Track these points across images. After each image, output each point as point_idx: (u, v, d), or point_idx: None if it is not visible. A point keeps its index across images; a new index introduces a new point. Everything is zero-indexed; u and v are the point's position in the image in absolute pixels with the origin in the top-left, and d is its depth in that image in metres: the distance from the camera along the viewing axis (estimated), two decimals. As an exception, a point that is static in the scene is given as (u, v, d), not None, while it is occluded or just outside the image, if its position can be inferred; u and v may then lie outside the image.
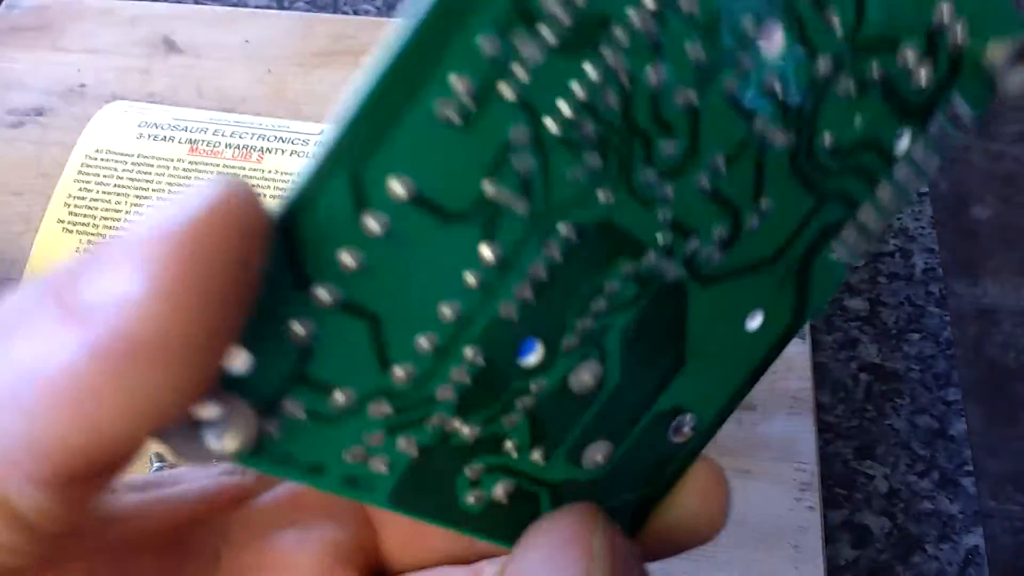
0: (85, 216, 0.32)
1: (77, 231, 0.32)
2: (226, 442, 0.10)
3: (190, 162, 0.33)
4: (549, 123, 0.10)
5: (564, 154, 0.11)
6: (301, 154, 0.33)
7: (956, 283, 0.96)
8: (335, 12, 0.42)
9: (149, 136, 0.34)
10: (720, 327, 0.13)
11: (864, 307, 0.30)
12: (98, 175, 0.33)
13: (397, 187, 0.10)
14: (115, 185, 0.33)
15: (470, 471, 0.12)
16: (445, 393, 0.11)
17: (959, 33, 0.12)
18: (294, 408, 0.10)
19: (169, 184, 0.33)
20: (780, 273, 0.13)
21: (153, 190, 0.33)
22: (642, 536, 0.13)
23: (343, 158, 0.10)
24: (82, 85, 0.37)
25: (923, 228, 0.31)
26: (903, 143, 0.13)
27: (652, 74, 0.11)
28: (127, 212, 0.32)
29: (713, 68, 0.11)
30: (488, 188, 0.10)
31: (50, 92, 0.37)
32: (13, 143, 0.36)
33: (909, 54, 0.12)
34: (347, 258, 0.10)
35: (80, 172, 0.33)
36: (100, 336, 0.08)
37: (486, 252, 0.11)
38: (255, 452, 0.10)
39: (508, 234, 0.11)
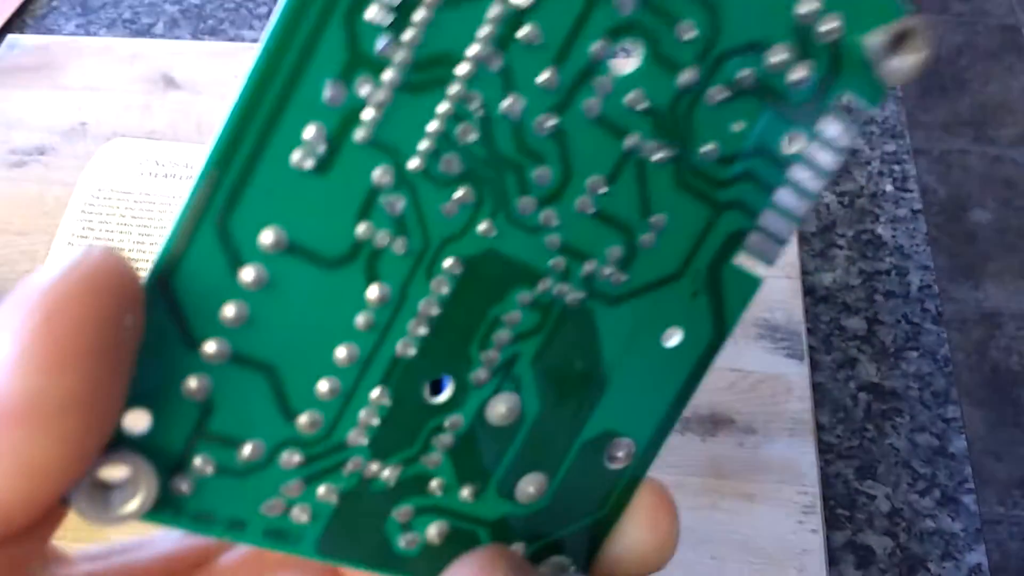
0: (89, 254, 0.33)
1: (81, 270, 0.32)
2: (132, 503, 0.10)
3: (191, 198, 0.34)
4: (409, 162, 0.10)
5: (433, 191, 0.11)
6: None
7: (957, 288, 0.96)
8: (331, 43, 0.42)
9: (151, 173, 0.35)
10: (637, 346, 0.13)
11: (862, 326, 0.30)
12: (101, 213, 0.34)
13: (268, 237, 0.10)
14: (118, 223, 0.33)
15: (398, 514, 0.12)
16: (357, 437, 0.11)
17: (830, 27, 0.12)
18: (203, 464, 0.10)
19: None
20: (689, 287, 0.13)
21: (156, 227, 0.33)
22: (594, 566, 0.13)
23: (206, 212, 0.10)
24: (83, 123, 0.38)
25: (918, 245, 0.32)
26: (795, 145, 0.12)
27: (507, 104, 0.11)
28: (130, 250, 0.32)
29: (570, 91, 0.11)
30: (362, 230, 0.10)
31: (51, 131, 0.38)
32: (16, 182, 0.36)
33: (780, 55, 0.12)
34: (230, 312, 0.10)
35: (83, 211, 0.34)
36: None
37: (371, 293, 0.11)
38: (168, 511, 0.10)
39: (392, 273, 0.11)
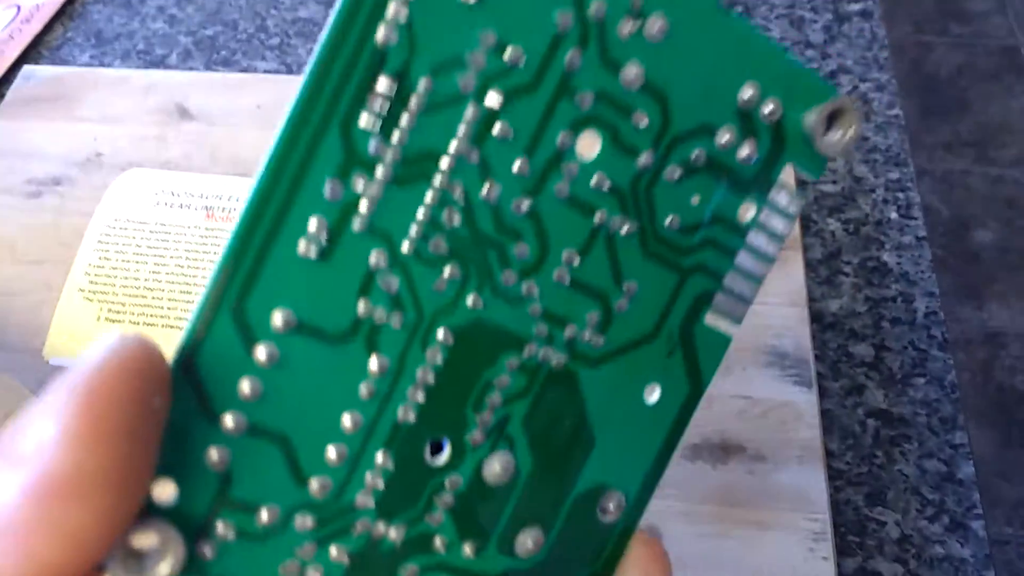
0: (105, 284, 0.33)
1: (97, 299, 0.33)
2: (162, 568, 0.11)
3: (207, 228, 0.34)
4: (402, 246, 0.12)
5: (424, 270, 0.12)
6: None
7: (961, 308, 0.96)
8: (342, 72, 0.43)
9: (166, 204, 0.35)
10: (620, 403, 0.14)
11: (869, 353, 0.30)
12: (117, 243, 0.34)
13: (278, 319, 0.11)
14: (134, 253, 0.34)
15: (406, 573, 0.13)
16: (365, 500, 0.12)
17: (770, 109, 0.13)
18: (225, 529, 0.11)
19: (187, 251, 0.34)
20: (664, 346, 0.14)
21: (171, 257, 0.33)
22: None
23: (223, 300, 0.11)
24: (99, 154, 0.38)
25: (923, 272, 0.32)
26: (749, 213, 0.14)
27: (486, 190, 0.12)
28: (146, 279, 0.33)
29: (541, 177, 0.12)
30: (362, 308, 0.12)
31: (68, 162, 0.38)
32: (32, 213, 0.37)
33: (726, 136, 0.13)
34: (246, 387, 0.11)
35: (99, 241, 0.34)
36: (29, 478, 0.09)
37: (373, 364, 0.12)
38: (194, 575, 0.11)
39: (390, 346, 0.12)
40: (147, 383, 0.10)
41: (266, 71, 0.42)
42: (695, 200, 0.13)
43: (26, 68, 0.41)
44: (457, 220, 0.12)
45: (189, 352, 0.11)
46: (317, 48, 0.11)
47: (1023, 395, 0.85)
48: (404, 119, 0.11)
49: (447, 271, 0.12)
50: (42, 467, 0.09)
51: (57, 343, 0.32)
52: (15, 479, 0.09)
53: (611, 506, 0.14)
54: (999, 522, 0.77)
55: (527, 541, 0.13)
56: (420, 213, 0.12)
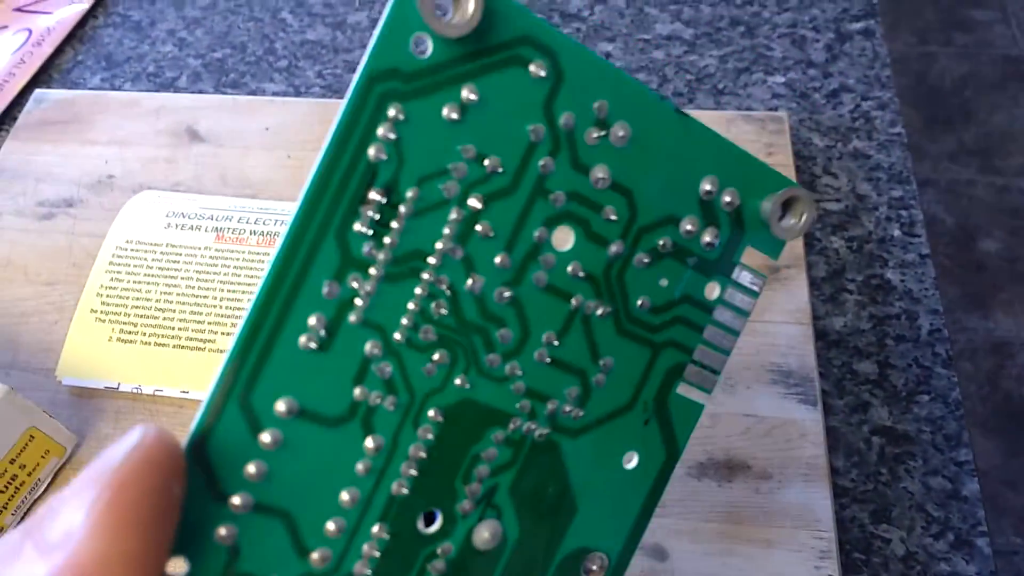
0: (117, 305, 0.33)
1: (109, 320, 0.33)
2: None
3: (216, 250, 0.35)
4: (394, 335, 0.13)
5: (415, 356, 0.13)
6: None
7: (968, 318, 0.96)
8: (349, 92, 0.43)
9: (177, 225, 0.36)
10: (601, 470, 0.15)
11: (873, 370, 0.31)
12: (128, 265, 0.35)
13: (281, 407, 0.12)
14: (145, 274, 0.34)
15: None
16: (362, 569, 0.13)
17: (729, 199, 0.14)
18: None
19: (197, 272, 0.34)
20: (640, 416, 0.15)
21: (182, 278, 0.34)
22: None
23: (231, 391, 0.12)
24: (110, 176, 0.39)
25: (926, 289, 0.32)
26: (715, 292, 0.15)
27: (470, 283, 0.13)
28: (157, 300, 0.33)
29: (521, 268, 0.13)
30: (358, 393, 0.13)
31: (79, 184, 0.39)
32: (45, 234, 0.37)
33: (689, 224, 0.14)
34: (252, 469, 0.12)
35: (111, 262, 0.35)
36: (57, 566, 0.10)
37: (368, 444, 0.13)
38: None
39: (384, 426, 0.13)
40: (167, 474, 0.11)
41: (274, 93, 0.42)
42: (664, 282, 0.14)
43: (37, 91, 0.42)
44: (444, 310, 0.13)
45: (200, 439, 0.12)
46: (314, 165, 0.12)
47: (1030, 405, 0.85)
48: (394, 224, 0.12)
49: (436, 356, 0.13)
50: (69, 555, 0.10)
51: (70, 363, 0.33)
52: (43, 568, 0.10)
53: (595, 567, 0.15)
54: (1006, 532, 0.77)
55: None
56: (410, 306, 0.13)
